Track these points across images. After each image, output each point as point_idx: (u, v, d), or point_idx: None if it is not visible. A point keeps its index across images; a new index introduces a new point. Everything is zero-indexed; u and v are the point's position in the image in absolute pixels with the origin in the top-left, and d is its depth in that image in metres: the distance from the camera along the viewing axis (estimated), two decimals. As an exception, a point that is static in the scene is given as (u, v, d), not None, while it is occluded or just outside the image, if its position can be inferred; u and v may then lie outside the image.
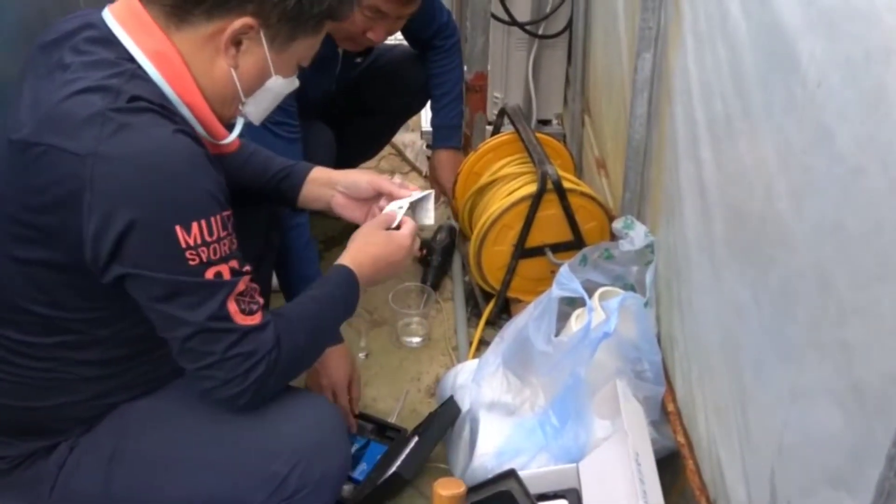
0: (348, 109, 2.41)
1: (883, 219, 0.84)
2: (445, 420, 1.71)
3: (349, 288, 1.39)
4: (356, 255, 1.42)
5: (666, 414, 1.62)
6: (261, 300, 1.21)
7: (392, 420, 1.97)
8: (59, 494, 1.30)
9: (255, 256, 1.72)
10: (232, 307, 1.16)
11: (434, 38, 2.36)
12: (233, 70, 1.22)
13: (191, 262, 1.12)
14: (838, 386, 0.95)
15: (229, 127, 1.29)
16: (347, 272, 1.39)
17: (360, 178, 1.55)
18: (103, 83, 1.12)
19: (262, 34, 1.21)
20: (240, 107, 1.28)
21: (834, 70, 0.92)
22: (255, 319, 1.19)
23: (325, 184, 1.56)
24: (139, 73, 1.15)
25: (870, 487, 0.83)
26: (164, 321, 1.18)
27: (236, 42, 1.20)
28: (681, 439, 1.54)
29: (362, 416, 1.91)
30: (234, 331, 1.17)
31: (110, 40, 1.17)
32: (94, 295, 1.19)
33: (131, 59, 1.16)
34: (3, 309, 1.23)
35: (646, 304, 1.69)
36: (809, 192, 1.00)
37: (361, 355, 2.16)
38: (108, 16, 1.19)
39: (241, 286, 1.17)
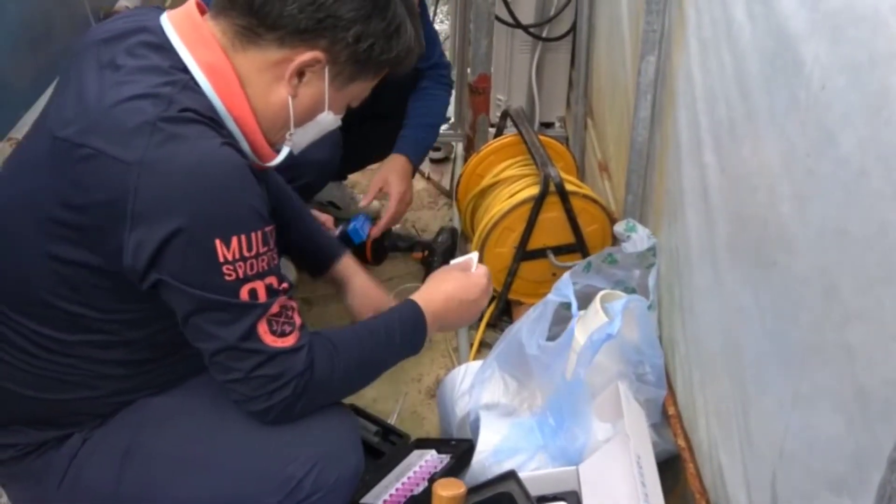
0: (359, 112, 2.40)
1: (887, 222, 0.84)
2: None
3: (412, 324, 1.38)
4: (428, 291, 1.44)
5: (666, 417, 1.62)
6: (298, 320, 1.20)
7: (392, 420, 1.97)
8: (67, 487, 1.29)
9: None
10: (262, 328, 1.15)
11: (430, 69, 2.37)
12: (290, 99, 1.22)
13: (227, 277, 1.11)
14: (841, 390, 0.94)
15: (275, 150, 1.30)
16: (413, 308, 1.39)
17: (373, 296, 1.66)
18: (155, 91, 1.11)
19: (326, 70, 1.21)
20: (287, 135, 1.27)
21: (838, 73, 0.92)
22: (288, 341, 1.18)
23: (343, 277, 1.67)
24: (191, 85, 1.15)
25: (872, 492, 0.83)
26: (195, 332, 1.18)
27: (300, 73, 1.20)
28: (681, 443, 1.53)
29: (363, 415, 1.91)
30: (261, 352, 1.16)
31: (165, 48, 1.17)
32: (127, 297, 1.19)
33: (185, 70, 1.16)
34: (30, 303, 1.22)
35: (649, 308, 1.69)
36: (813, 196, 1.00)
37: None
38: (167, 22, 1.19)
39: (274, 308, 1.16)
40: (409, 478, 1.70)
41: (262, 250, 1.13)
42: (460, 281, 1.46)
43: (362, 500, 1.66)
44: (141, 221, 1.08)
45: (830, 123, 0.94)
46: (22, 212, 1.19)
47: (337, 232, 2.14)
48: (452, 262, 1.54)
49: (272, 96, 1.21)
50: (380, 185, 2.27)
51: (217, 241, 1.09)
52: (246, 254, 1.11)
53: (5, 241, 1.22)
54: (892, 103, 0.81)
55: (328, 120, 1.30)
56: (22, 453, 1.30)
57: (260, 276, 1.14)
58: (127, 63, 1.15)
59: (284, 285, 1.19)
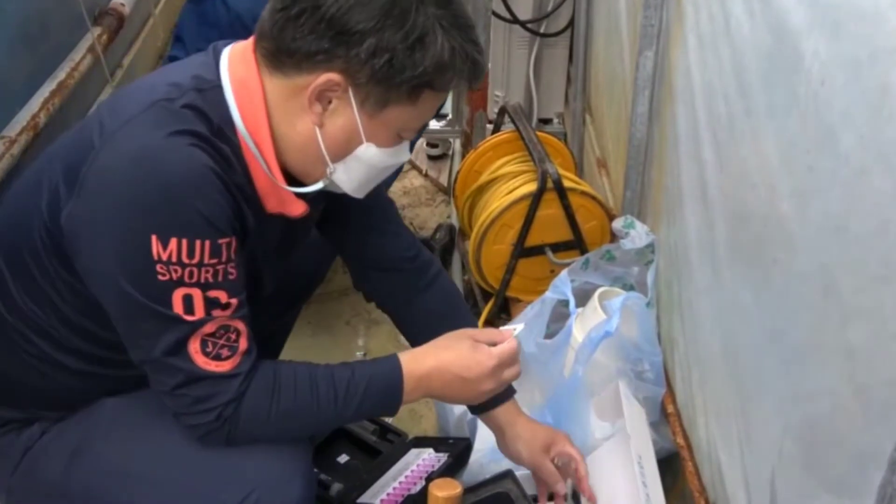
0: None
1: (888, 220, 0.83)
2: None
3: (385, 385, 1.21)
4: (423, 353, 1.27)
5: (665, 415, 1.61)
6: (243, 345, 1.12)
7: (390, 419, 1.96)
8: (21, 474, 1.28)
9: (304, 281, 1.69)
10: (193, 347, 1.09)
11: None
12: (317, 129, 1.15)
13: (160, 277, 1.06)
14: (841, 389, 0.93)
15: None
16: (393, 365, 1.22)
17: (524, 452, 1.40)
18: (179, 81, 1.12)
19: (350, 94, 1.12)
20: (327, 172, 1.19)
21: (838, 69, 0.91)
22: (223, 366, 1.10)
23: (498, 428, 1.43)
24: (217, 91, 1.14)
25: (872, 493, 0.82)
26: (124, 335, 1.14)
27: (325, 99, 1.13)
28: (680, 441, 1.52)
29: (362, 416, 1.90)
30: (187, 371, 1.10)
31: (217, 59, 1.17)
32: (70, 269, 1.15)
33: (219, 77, 1.15)
34: (13, 257, 1.20)
35: (647, 305, 1.68)
36: (813, 193, 0.99)
37: (360, 354, 2.15)
38: (231, 45, 1.20)
39: (208, 327, 1.09)
40: (406, 476, 1.70)
41: (208, 261, 1.07)
42: (461, 354, 1.25)
43: (360, 500, 1.66)
44: (84, 190, 1.07)
45: (830, 120, 0.93)
46: (41, 164, 1.21)
47: None
48: (503, 327, 1.34)
49: (299, 126, 1.15)
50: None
51: (153, 237, 1.04)
52: (185, 259, 1.05)
53: (24, 191, 1.21)
54: (892, 99, 0.80)
55: (373, 154, 1.17)
56: None
57: (201, 285, 1.07)
58: (189, 61, 1.19)
59: (233, 301, 1.11)
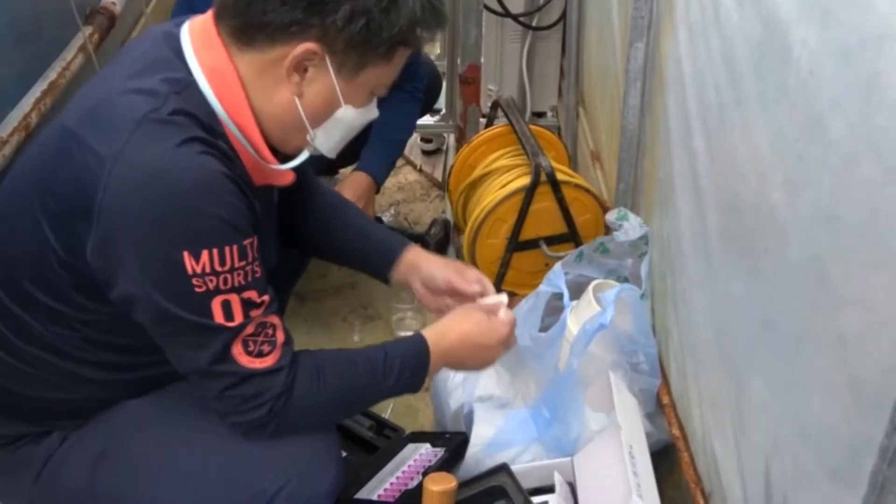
0: None
1: (878, 208, 0.82)
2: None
3: (415, 361, 1.29)
4: (444, 326, 1.35)
5: (661, 406, 1.62)
6: (280, 338, 1.15)
7: (387, 414, 1.96)
8: (43, 484, 1.28)
9: (290, 272, 1.71)
10: (237, 349, 1.11)
11: (403, 80, 2.34)
12: (296, 98, 1.16)
13: (197, 290, 1.07)
14: (834, 378, 0.93)
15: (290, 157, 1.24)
16: (420, 344, 1.31)
17: (438, 272, 1.50)
18: (153, 88, 1.09)
19: (328, 61, 1.14)
20: (308, 138, 1.21)
21: (827, 58, 0.91)
22: (267, 362, 1.13)
23: (412, 268, 1.53)
24: (192, 86, 1.13)
25: (865, 480, 0.82)
26: (169, 352, 1.15)
27: (301, 69, 1.15)
28: (676, 432, 1.53)
29: (358, 411, 1.90)
30: (235, 374, 1.12)
31: (177, 49, 1.15)
32: (94, 296, 1.16)
33: (189, 72, 1.13)
34: (17, 293, 1.20)
35: (642, 297, 1.68)
36: (803, 182, 0.99)
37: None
38: (185, 27, 1.18)
39: (249, 329, 1.11)
40: (403, 472, 1.70)
41: (238, 265, 1.08)
42: (481, 324, 1.36)
43: (357, 496, 1.66)
44: (106, 220, 1.06)
45: (820, 108, 0.93)
46: (23, 198, 1.18)
47: None
48: (481, 300, 1.44)
49: (278, 98, 1.16)
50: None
51: (185, 254, 1.05)
52: (218, 268, 1.07)
53: (8, 227, 1.20)
54: (881, 87, 0.80)
55: (351, 115, 1.21)
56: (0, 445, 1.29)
57: (236, 289, 1.09)
58: (140, 55, 1.15)
59: (265, 298, 1.13)
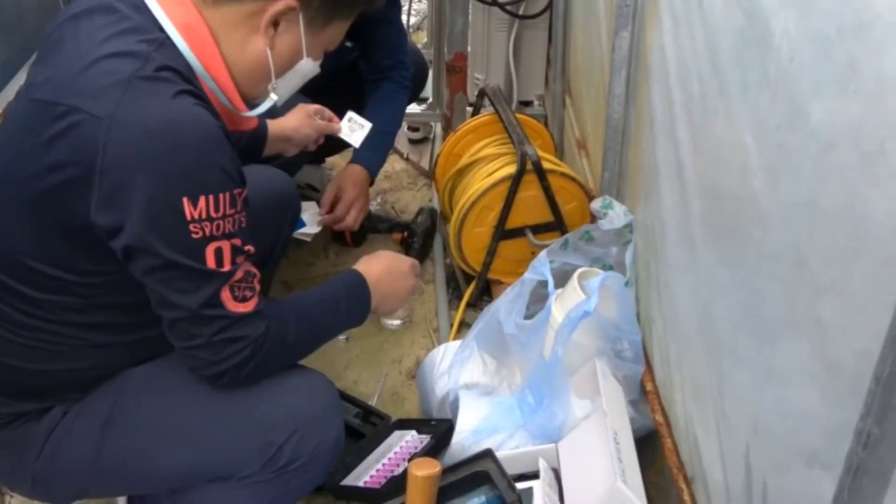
0: (339, 95, 2.37)
1: (855, 195, 0.83)
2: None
3: (357, 292, 1.43)
4: (366, 264, 1.50)
5: (645, 393, 1.63)
6: (257, 286, 1.21)
7: (373, 402, 1.97)
8: (45, 459, 1.29)
9: (265, 247, 1.74)
10: (226, 295, 1.17)
11: (391, 69, 2.35)
12: (268, 50, 1.22)
13: (194, 235, 1.12)
14: (813, 364, 0.94)
15: (253, 104, 1.31)
16: (356, 276, 1.45)
17: (301, 127, 1.91)
18: (132, 49, 1.12)
19: (301, 16, 1.22)
20: (270, 87, 1.28)
21: (806, 46, 0.92)
22: (248, 307, 1.19)
23: (281, 139, 1.87)
24: (168, 43, 1.16)
25: (842, 463, 0.83)
26: (159, 299, 1.18)
27: (275, 23, 1.21)
28: (659, 418, 1.54)
29: (344, 398, 1.90)
30: (224, 318, 1.18)
31: (140, 7, 1.17)
32: (97, 258, 1.19)
33: (160, 28, 1.16)
34: (13, 266, 1.22)
35: (626, 284, 1.69)
36: (784, 170, 0.99)
37: (342, 338, 2.15)
38: None
39: (238, 274, 1.17)
40: (389, 458, 1.71)
41: (229, 212, 1.14)
42: (394, 257, 1.56)
43: (343, 482, 1.67)
44: (109, 177, 1.08)
45: (800, 96, 0.94)
46: (3, 176, 1.20)
47: None
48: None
49: (249, 49, 1.22)
50: (334, 194, 2.25)
51: (185, 200, 1.09)
52: (213, 214, 1.12)
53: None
54: (859, 75, 0.81)
55: (308, 67, 1.30)
56: (0, 423, 1.29)
57: (227, 236, 1.15)
58: (104, 22, 1.16)
59: (249, 247, 1.19)
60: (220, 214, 1.12)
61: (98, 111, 1.08)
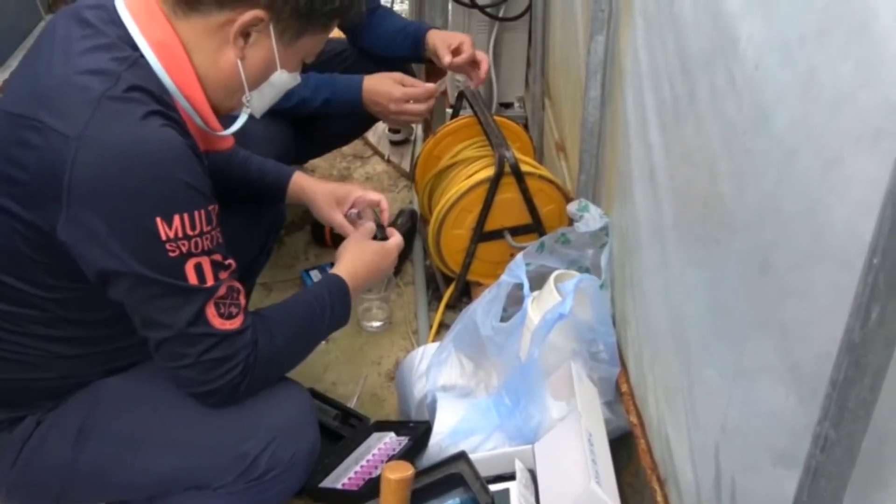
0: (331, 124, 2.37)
1: (817, 200, 0.85)
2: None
3: (339, 296, 1.43)
4: (347, 264, 1.49)
5: (620, 394, 1.64)
6: (243, 301, 1.21)
7: (352, 404, 1.97)
8: (20, 467, 1.29)
9: (251, 259, 1.74)
10: (210, 312, 1.16)
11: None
12: (239, 61, 1.21)
13: (171, 254, 1.12)
14: (778, 366, 0.96)
15: (229, 119, 1.29)
16: (338, 280, 1.44)
17: (319, 198, 1.67)
18: (104, 67, 1.12)
19: (271, 27, 1.21)
20: (243, 100, 1.27)
21: (770, 52, 0.93)
22: (235, 323, 1.19)
23: (300, 190, 1.69)
24: (141, 62, 1.15)
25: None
26: (143, 320, 1.18)
27: (245, 34, 1.20)
28: (633, 419, 1.55)
29: (323, 399, 1.91)
30: (211, 335, 1.17)
31: (117, 22, 1.17)
32: (63, 275, 1.18)
33: (134, 46, 1.16)
34: None
35: (601, 286, 1.70)
36: (750, 175, 1.01)
37: (323, 343, 2.15)
38: (120, 2, 1.19)
39: (222, 290, 1.17)
40: (367, 460, 1.71)
41: (205, 229, 1.14)
42: (377, 253, 1.55)
43: (322, 484, 1.67)
44: (76, 198, 1.08)
45: (764, 102, 0.95)
46: None
47: None
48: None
49: (221, 61, 1.21)
50: (447, 46, 2.19)
51: (158, 220, 1.09)
52: (189, 232, 1.12)
53: None
54: (819, 82, 0.82)
55: (283, 79, 1.29)
56: None
57: (206, 252, 1.15)
58: (79, 37, 1.16)
59: (230, 262, 1.19)
60: (196, 232, 1.12)
61: (66, 130, 1.08)
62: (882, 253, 0.62)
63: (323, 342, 2.11)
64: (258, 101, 1.30)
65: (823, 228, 0.84)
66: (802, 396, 0.90)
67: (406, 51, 2.27)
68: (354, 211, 1.66)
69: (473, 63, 2.20)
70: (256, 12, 1.18)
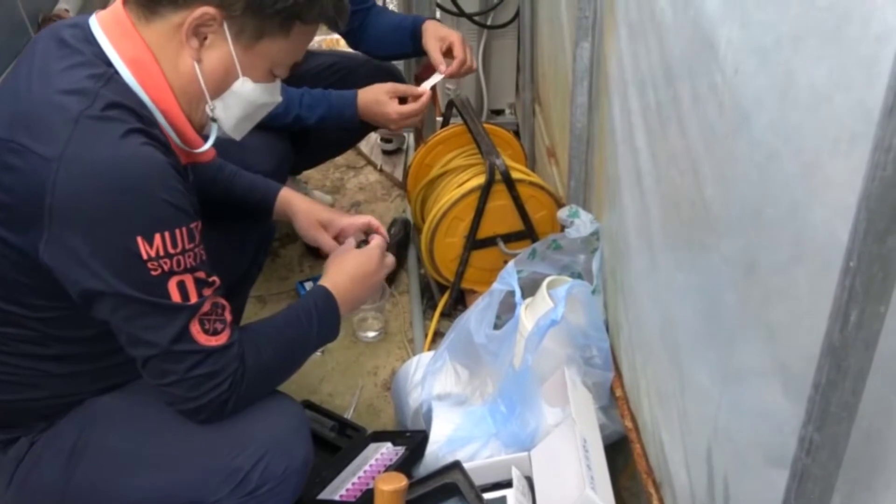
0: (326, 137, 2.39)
1: (797, 202, 0.85)
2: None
3: (325, 307, 1.40)
4: (332, 276, 1.47)
5: (614, 399, 1.64)
6: (228, 317, 1.21)
7: (349, 414, 1.97)
8: (15, 489, 1.30)
9: (240, 275, 1.74)
10: (195, 328, 1.16)
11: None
12: (196, 64, 1.20)
13: (153, 273, 1.11)
14: (765, 368, 0.96)
15: (205, 135, 1.29)
16: (323, 291, 1.42)
17: (316, 214, 1.66)
18: (80, 86, 1.12)
19: (226, 27, 1.19)
20: (208, 110, 1.25)
21: (749, 57, 0.94)
22: (221, 339, 1.19)
23: (286, 206, 1.67)
24: (116, 77, 1.15)
25: (791, 467, 0.85)
26: (128, 338, 1.18)
27: (201, 35, 1.19)
28: (628, 423, 1.55)
29: (319, 411, 1.91)
30: (196, 352, 1.17)
31: (91, 40, 1.17)
32: (48, 295, 1.18)
33: (109, 63, 1.16)
34: None
35: (593, 292, 1.71)
36: (732, 178, 1.01)
37: (318, 351, 2.15)
38: (94, 21, 1.19)
39: (206, 307, 1.16)
40: (365, 471, 1.71)
41: (188, 246, 1.13)
42: (359, 258, 1.51)
43: (319, 497, 1.67)
44: (58, 219, 1.08)
45: (745, 106, 0.95)
46: None
47: None
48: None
49: (181, 65, 1.20)
50: (439, 46, 2.23)
51: (139, 239, 1.09)
52: (171, 250, 1.11)
53: None
54: (796, 86, 0.83)
55: (249, 89, 1.25)
56: None
57: (189, 270, 1.14)
58: (57, 57, 1.16)
59: (213, 279, 1.19)
60: (178, 250, 1.12)
61: (46, 152, 1.08)
62: (858, 256, 0.62)
63: (318, 353, 2.13)
64: (223, 112, 1.26)
65: (804, 230, 0.84)
66: (791, 398, 0.91)
67: (405, 49, 2.32)
68: (353, 241, 1.60)
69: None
70: (206, 9, 1.16)
